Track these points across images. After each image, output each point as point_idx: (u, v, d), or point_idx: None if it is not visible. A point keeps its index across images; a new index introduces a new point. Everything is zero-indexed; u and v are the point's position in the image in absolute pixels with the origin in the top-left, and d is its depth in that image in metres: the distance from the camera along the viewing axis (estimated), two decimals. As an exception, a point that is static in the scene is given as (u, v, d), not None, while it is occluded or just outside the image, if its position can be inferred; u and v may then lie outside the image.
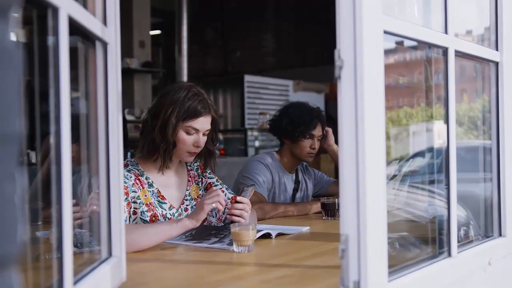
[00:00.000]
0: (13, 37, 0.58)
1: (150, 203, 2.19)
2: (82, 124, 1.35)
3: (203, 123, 2.22)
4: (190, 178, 2.39)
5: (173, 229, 1.98)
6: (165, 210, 2.23)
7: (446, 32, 1.52)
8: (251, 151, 7.33)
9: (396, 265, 1.33)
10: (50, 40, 1.02)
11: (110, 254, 1.37)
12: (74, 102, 1.09)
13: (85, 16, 1.17)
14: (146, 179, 2.23)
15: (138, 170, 2.21)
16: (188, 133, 2.21)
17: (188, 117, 2.19)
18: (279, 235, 2.20)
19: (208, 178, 2.44)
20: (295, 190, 3.14)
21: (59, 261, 1.00)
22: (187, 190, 2.36)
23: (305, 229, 2.36)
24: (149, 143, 2.21)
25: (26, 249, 1.06)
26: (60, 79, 1.01)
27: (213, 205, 1.99)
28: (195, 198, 2.36)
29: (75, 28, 1.12)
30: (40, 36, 1.04)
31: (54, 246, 1.11)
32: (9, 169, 0.56)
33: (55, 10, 0.99)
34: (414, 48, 1.73)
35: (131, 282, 1.46)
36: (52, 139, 1.02)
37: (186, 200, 2.34)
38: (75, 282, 1.09)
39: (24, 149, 0.61)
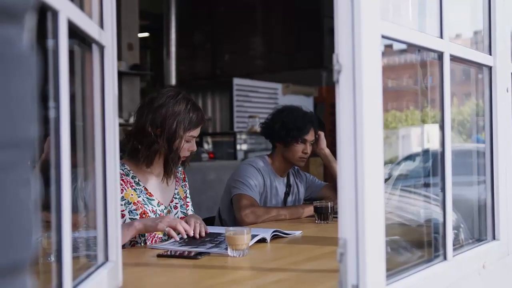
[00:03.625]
0: (28, 42, 0.57)
1: (137, 201, 2.26)
2: (77, 128, 1.33)
3: (199, 130, 2.37)
4: (177, 179, 2.49)
5: (126, 236, 2.03)
6: (154, 206, 2.30)
7: (441, 36, 1.53)
8: (240, 155, 7.32)
9: (393, 269, 1.33)
10: (49, 43, 1.01)
11: (106, 259, 1.36)
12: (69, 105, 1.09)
13: (84, 20, 1.16)
14: (132, 178, 2.30)
15: (123, 170, 2.25)
16: (188, 141, 2.32)
17: (191, 128, 2.31)
18: (275, 237, 2.20)
19: (187, 188, 2.55)
20: (287, 194, 3.14)
21: (58, 266, 0.99)
22: (175, 189, 2.45)
23: (298, 233, 2.36)
24: (154, 153, 2.28)
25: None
26: (60, 82, 1.00)
27: (166, 229, 2.05)
28: (182, 198, 2.47)
29: (73, 31, 1.11)
30: (38, 39, 1.03)
31: (49, 250, 1.10)
32: (24, 174, 0.56)
33: (55, 13, 0.99)
34: (402, 51, 1.74)
35: (127, 287, 1.45)
36: (51, 142, 1.01)
37: (176, 198, 2.43)
38: (73, 287, 1.08)
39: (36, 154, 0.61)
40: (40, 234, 1.37)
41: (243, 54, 9.82)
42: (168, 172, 2.33)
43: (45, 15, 1.00)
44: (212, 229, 2.31)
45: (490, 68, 1.84)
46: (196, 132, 2.34)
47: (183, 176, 2.55)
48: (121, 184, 2.20)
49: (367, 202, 1.17)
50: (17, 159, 0.55)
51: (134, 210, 2.23)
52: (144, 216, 2.23)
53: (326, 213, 2.64)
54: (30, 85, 0.57)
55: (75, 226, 1.50)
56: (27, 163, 0.57)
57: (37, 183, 0.60)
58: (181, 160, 2.34)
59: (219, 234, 2.20)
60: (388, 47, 1.51)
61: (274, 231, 2.21)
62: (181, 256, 1.88)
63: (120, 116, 7.14)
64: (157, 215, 2.28)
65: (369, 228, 1.17)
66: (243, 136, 7.50)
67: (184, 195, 2.50)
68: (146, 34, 10.29)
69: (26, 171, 0.56)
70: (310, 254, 1.97)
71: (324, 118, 7.40)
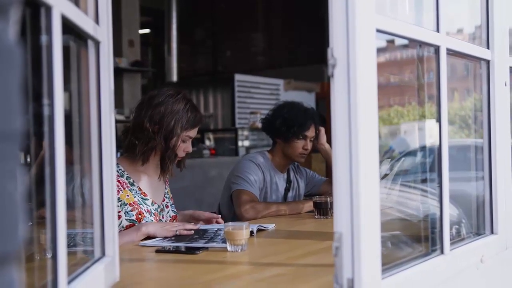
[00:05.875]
0: (13, 36, 0.58)
1: (133, 202, 2.29)
2: (74, 124, 1.34)
3: (196, 131, 2.39)
4: (166, 180, 2.52)
5: (134, 239, 2.10)
6: (149, 206, 2.33)
7: (437, 30, 1.53)
8: (241, 151, 7.32)
9: (389, 263, 1.33)
10: (43, 39, 1.01)
11: (103, 253, 1.36)
12: (65, 102, 1.09)
13: (78, 15, 1.16)
14: (126, 178, 2.32)
15: (117, 171, 2.26)
16: (183, 141, 2.34)
17: (189, 128, 2.33)
18: (259, 230, 2.26)
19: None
20: (287, 190, 3.14)
21: (53, 261, 1.00)
22: (166, 189, 2.49)
23: (271, 226, 2.40)
24: (150, 150, 2.30)
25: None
26: (54, 78, 1.00)
27: (177, 232, 2.14)
28: (171, 197, 2.52)
29: (67, 27, 1.11)
30: (32, 35, 1.03)
31: (46, 246, 1.11)
32: (10, 167, 0.56)
33: (48, 8, 0.99)
34: (405, 46, 1.74)
35: (124, 282, 1.45)
36: (44, 139, 1.02)
37: (166, 197, 2.48)
38: (69, 282, 1.09)
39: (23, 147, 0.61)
40: (29, 226, 1.38)
41: (245, 50, 9.82)
42: (164, 170, 2.35)
43: (38, 10, 1.00)
44: (202, 226, 2.32)
45: (488, 62, 1.83)
46: (193, 133, 2.36)
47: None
48: (117, 185, 2.22)
49: (362, 195, 1.17)
50: (3, 152, 0.55)
51: (130, 211, 2.25)
52: (140, 216, 2.26)
53: (325, 208, 2.64)
54: (16, 79, 0.57)
55: (73, 222, 1.50)
56: (14, 156, 0.58)
57: (25, 176, 0.61)
58: (177, 158, 2.35)
59: (206, 230, 2.22)
60: (390, 42, 1.51)
61: (258, 228, 2.25)
62: (179, 251, 1.89)
63: (121, 113, 7.15)
64: (152, 215, 2.30)
65: (364, 221, 1.17)
66: (245, 132, 7.51)
67: (171, 195, 2.55)
68: (147, 31, 10.29)
69: (13, 164, 0.57)
70: (308, 249, 1.97)
71: (326, 114, 7.39)
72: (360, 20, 1.17)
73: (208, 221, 2.44)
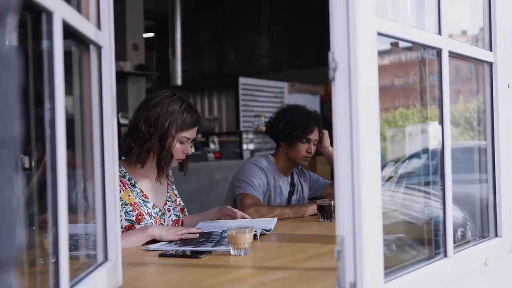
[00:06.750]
0: (10, 42, 0.58)
1: (134, 202, 2.29)
2: (76, 129, 1.34)
3: (195, 132, 2.38)
4: (169, 182, 2.52)
5: (140, 241, 2.09)
6: (150, 208, 2.33)
7: (439, 33, 1.53)
8: (246, 154, 7.32)
9: (392, 266, 1.33)
10: (44, 44, 1.02)
11: (106, 258, 1.37)
12: (67, 107, 1.09)
13: (79, 20, 1.17)
14: (128, 180, 2.33)
15: (120, 172, 2.27)
16: (181, 142, 2.33)
17: (184, 128, 2.31)
18: (262, 234, 2.24)
19: (175, 189, 2.59)
20: (291, 193, 3.14)
21: (56, 265, 1.00)
22: (168, 192, 2.48)
23: (274, 220, 2.43)
24: (147, 152, 2.30)
25: (22, 254, 1.06)
26: (55, 83, 1.00)
27: (182, 236, 2.14)
28: (174, 201, 2.50)
29: (69, 32, 1.12)
30: (33, 40, 1.04)
31: (49, 251, 1.11)
32: (8, 173, 0.56)
33: (49, 14, 0.99)
34: (409, 49, 1.74)
35: (127, 286, 1.45)
36: (46, 144, 1.02)
37: (168, 201, 2.47)
38: (71, 286, 1.09)
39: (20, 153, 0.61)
40: (33, 231, 1.39)
41: (249, 53, 9.81)
42: (160, 171, 2.35)
43: (40, 15, 1.01)
44: (206, 229, 2.32)
45: (491, 64, 1.83)
46: (190, 134, 2.34)
47: (172, 179, 2.59)
48: (119, 185, 2.22)
49: (364, 199, 1.17)
50: (1, 157, 0.55)
51: (130, 211, 2.26)
52: (140, 218, 2.27)
53: (329, 211, 2.64)
54: (14, 85, 0.57)
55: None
56: (12, 161, 0.58)
57: (26, 182, 0.61)
58: (173, 159, 2.34)
59: (211, 233, 2.21)
60: (395, 44, 1.51)
61: (261, 232, 2.24)
62: (183, 255, 1.89)
63: (126, 117, 7.14)
64: (152, 217, 2.31)
65: (366, 225, 1.17)
66: (249, 136, 7.50)
67: (175, 197, 2.54)
68: (151, 34, 10.30)
69: (10, 169, 0.57)
70: (312, 252, 1.97)
71: (331, 117, 7.36)
72: (360, 23, 1.17)
73: (233, 216, 2.46)
